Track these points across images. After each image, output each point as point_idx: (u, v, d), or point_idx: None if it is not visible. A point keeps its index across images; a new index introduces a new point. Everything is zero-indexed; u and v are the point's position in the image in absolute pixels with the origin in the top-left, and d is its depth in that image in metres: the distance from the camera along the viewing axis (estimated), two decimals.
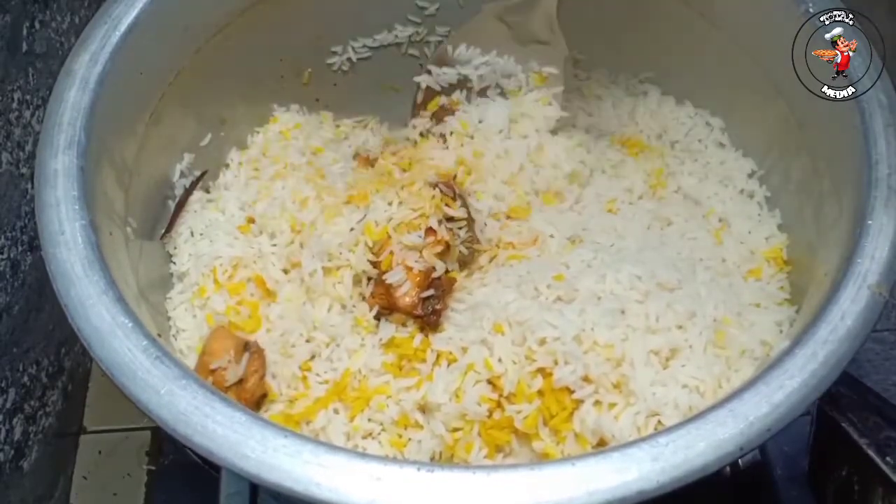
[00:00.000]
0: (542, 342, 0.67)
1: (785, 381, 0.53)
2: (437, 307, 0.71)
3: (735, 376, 0.67)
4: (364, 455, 0.50)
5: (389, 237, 0.73)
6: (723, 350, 0.69)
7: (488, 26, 0.81)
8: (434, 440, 0.66)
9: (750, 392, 0.53)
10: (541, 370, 0.66)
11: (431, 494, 0.48)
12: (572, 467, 0.49)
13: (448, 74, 0.84)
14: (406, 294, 0.70)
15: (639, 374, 0.66)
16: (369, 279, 0.74)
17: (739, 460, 0.75)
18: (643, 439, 0.51)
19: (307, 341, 0.72)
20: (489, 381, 0.67)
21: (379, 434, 0.68)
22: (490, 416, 0.66)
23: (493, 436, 0.65)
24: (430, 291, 0.71)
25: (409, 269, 0.71)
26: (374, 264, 0.73)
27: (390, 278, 0.71)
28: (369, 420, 0.68)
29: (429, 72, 0.87)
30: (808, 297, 0.66)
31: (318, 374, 0.71)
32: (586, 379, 0.65)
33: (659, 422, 0.65)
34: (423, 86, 0.85)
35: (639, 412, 0.65)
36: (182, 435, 0.51)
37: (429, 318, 0.71)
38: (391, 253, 0.73)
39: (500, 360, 0.67)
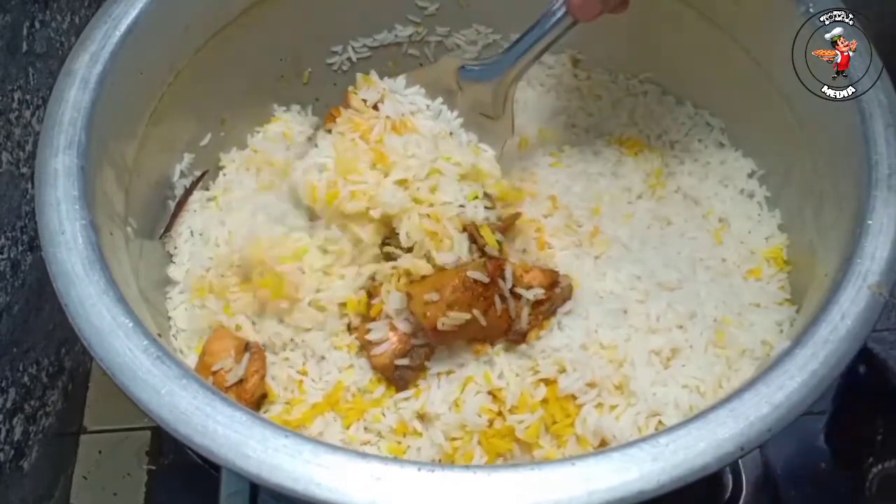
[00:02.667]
0: (549, 354, 0.67)
1: (785, 382, 0.53)
2: (407, 377, 0.68)
3: (735, 376, 0.68)
4: (364, 455, 0.50)
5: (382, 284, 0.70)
6: (723, 350, 0.69)
7: (444, 77, 0.77)
8: (433, 448, 0.66)
9: (750, 392, 0.53)
10: (543, 379, 0.66)
11: (432, 494, 0.48)
12: (572, 467, 0.49)
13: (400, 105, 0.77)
14: (383, 354, 0.68)
15: (640, 375, 0.66)
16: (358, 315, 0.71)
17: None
18: (643, 439, 0.51)
19: (294, 348, 0.72)
20: (490, 393, 0.67)
21: (377, 442, 0.68)
22: (490, 425, 0.66)
23: (493, 444, 0.65)
24: (406, 361, 0.68)
25: (394, 328, 0.69)
26: (369, 293, 0.71)
27: (371, 335, 0.69)
28: (365, 430, 0.68)
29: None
30: (808, 297, 0.67)
31: (314, 381, 0.70)
32: (591, 384, 0.65)
33: (660, 422, 0.65)
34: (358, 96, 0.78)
35: (639, 412, 0.65)
36: (183, 435, 0.51)
37: (396, 381, 0.69)
38: (382, 301, 0.70)
39: (500, 376, 0.67)
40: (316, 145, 0.77)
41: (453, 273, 0.67)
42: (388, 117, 0.75)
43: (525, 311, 0.67)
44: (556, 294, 0.69)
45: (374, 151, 0.72)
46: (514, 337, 0.68)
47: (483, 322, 0.66)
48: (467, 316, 0.65)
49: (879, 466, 0.74)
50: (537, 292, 0.68)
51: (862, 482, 0.76)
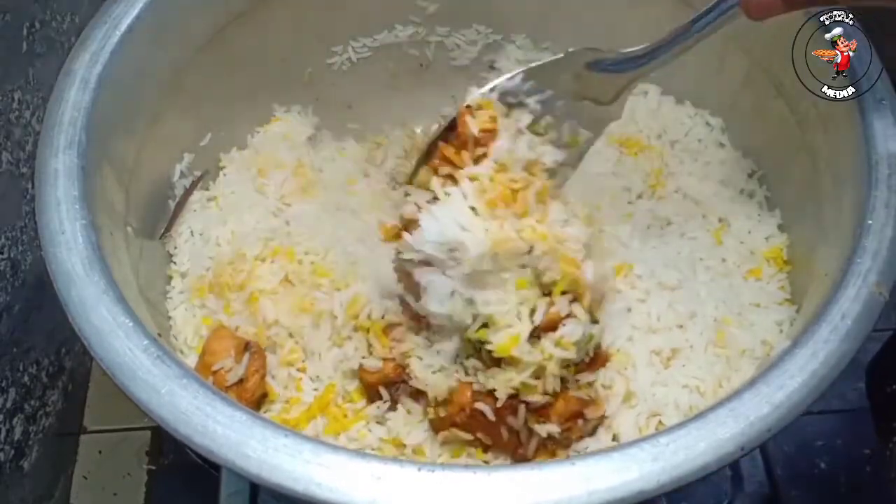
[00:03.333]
0: None
1: (785, 381, 0.53)
2: (385, 402, 0.67)
3: (735, 376, 0.68)
4: (364, 455, 0.50)
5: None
6: (723, 350, 0.69)
7: (560, 73, 0.68)
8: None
9: (750, 392, 0.53)
10: None
11: (432, 494, 0.48)
12: (572, 467, 0.49)
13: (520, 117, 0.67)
14: (372, 373, 0.66)
15: (640, 375, 0.66)
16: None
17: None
18: (644, 439, 0.51)
19: (293, 348, 0.72)
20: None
21: (375, 451, 0.67)
22: None
23: None
24: (387, 393, 0.67)
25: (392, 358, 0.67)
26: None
27: (367, 363, 0.67)
28: (356, 440, 0.67)
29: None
30: (809, 296, 0.66)
31: (310, 380, 0.70)
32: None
33: (660, 422, 0.65)
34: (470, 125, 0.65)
35: (640, 412, 0.65)
36: (183, 435, 0.51)
37: (373, 397, 0.68)
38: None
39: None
40: (405, 186, 0.67)
41: (463, 390, 0.63)
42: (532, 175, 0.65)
43: (534, 442, 0.63)
44: (576, 427, 0.64)
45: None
46: (519, 459, 0.64)
47: (488, 442, 0.64)
48: (470, 437, 0.64)
49: None
50: (551, 429, 0.62)
51: (887, 440, 0.75)
